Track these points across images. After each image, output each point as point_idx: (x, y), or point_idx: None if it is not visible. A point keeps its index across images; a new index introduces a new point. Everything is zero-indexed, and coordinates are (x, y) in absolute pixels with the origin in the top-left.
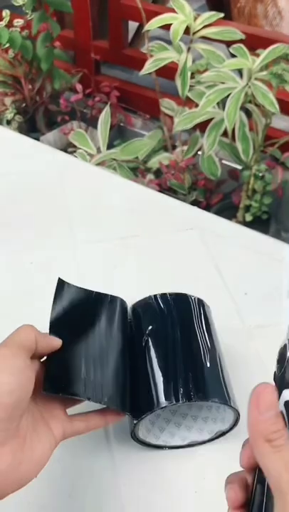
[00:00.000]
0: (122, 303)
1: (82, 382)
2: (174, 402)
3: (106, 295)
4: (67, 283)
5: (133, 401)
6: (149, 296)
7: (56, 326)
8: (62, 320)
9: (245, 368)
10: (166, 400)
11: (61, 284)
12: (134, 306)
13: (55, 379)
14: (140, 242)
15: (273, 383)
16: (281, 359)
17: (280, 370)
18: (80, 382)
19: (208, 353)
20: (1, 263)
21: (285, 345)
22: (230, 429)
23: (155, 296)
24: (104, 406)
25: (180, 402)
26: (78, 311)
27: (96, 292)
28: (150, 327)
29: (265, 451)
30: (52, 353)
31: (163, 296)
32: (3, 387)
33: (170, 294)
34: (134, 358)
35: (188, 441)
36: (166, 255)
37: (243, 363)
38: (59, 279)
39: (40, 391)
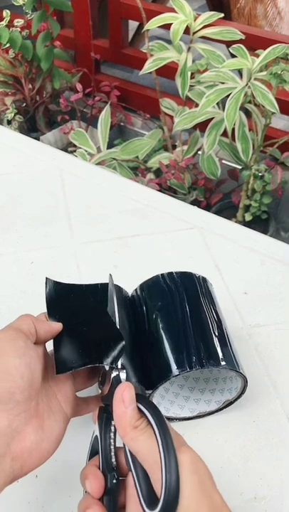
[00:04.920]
0: (114, 286)
1: (90, 353)
2: (188, 369)
3: (97, 284)
4: (56, 281)
5: (147, 373)
6: (156, 275)
7: (53, 315)
8: (59, 309)
9: (244, 368)
10: (179, 368)
11: (49, 282)
12: (142, 285)
13: (64, 361)
14: (140, 242)
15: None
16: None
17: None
18: (88, 354)
19: (215, 324)
20: (2, 263)
21: None
22: (237, 398)
23: (162, 274)
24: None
25: (194, 369)
26: (73, 300)
27: (86, 284)
28: (159, 303)
29: (134, 435)
30: (56, 339)
31: (169, 274)
32: (13, 370)
33: (176, 273)
34: (145, 334)
35: (196, 412)
36: (166, 255)
37: (243, 362)
38: (46, 278)
39: (51, 374)
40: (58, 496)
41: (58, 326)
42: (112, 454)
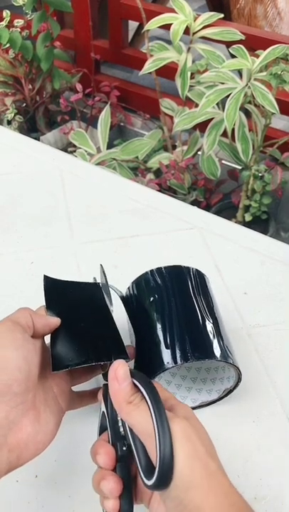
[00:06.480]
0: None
1: (86, 352)
2: (173, 364)
3: (95, 282)
4: (54, 278)
5: (139, 370)
6: (146, 272)
7: (52, 310)
8: (57, 304)
9: (244, 368)
10: (166, 363)
11: (47, 279)
12: (133, 282)
13: (61, 357)
14: (140, 242)
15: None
16: None
17: None
18: (85, 352)
19: (205, 316)
20: (2, 263)
21: None
22: (236, 386)
23: (151, 270)
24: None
25: (178, 363)
26: (71, 296)
27: (83, 282)
28: (148, 299)
29: (129, 410)
30: (53, 335)
31: (158, 269)
32: (11, 363)
33: (165, 267)
34: (137, 331)
35: (198, 402)
36: (166, 255)
37: (242, 362)
38: (44, 276)
39: (49, 368)
40: (58, 496)
41: (55, 321)
42: (120, 424)
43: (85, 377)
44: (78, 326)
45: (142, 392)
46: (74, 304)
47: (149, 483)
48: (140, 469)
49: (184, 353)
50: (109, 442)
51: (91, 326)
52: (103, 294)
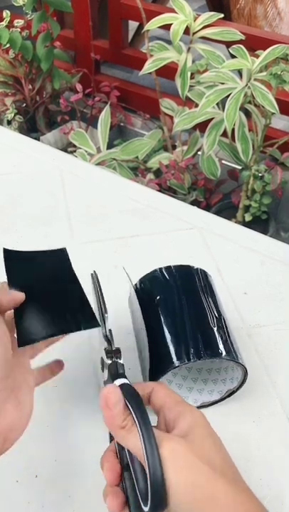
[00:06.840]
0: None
1: (53, 323)
2: (186, 361)
3: (62, 248)
4: (16, 250)
5: (148, 367)
6: (155, 270)
7: (15, 285)
8: (20, 278)
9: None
10: (178, 360)
11: (8, 252)
12: (141, 279)
13: (27, 331)
14: (140, 242)
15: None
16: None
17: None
18: (52, 323)
19: (214, 315)
20: (1, 263)
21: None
22: (239, 387)
23: (160, 268)
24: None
25: (192, 360)
26: (35, 267)
27: (48, 250)
28: (158, 297)
29: (123, 435)
30: (18, 310)
31: (167, 268)
32: None
33: (174, 266)
34: (147, 328)
35: (200, 402)
36: (166, 255)
37: None
38: (4, 249)
39: (14, 346)
40: (58, 496)
41: (19, 296)
42: None
43: (45, 347)
44: (44, 297)
45: (132, 415)
46: (38, 274)
47: (146, 509)
48: (138, 493)
49: (196, 350)
50: (116, 451)
51: (57, 296)
52: (70, 261)
